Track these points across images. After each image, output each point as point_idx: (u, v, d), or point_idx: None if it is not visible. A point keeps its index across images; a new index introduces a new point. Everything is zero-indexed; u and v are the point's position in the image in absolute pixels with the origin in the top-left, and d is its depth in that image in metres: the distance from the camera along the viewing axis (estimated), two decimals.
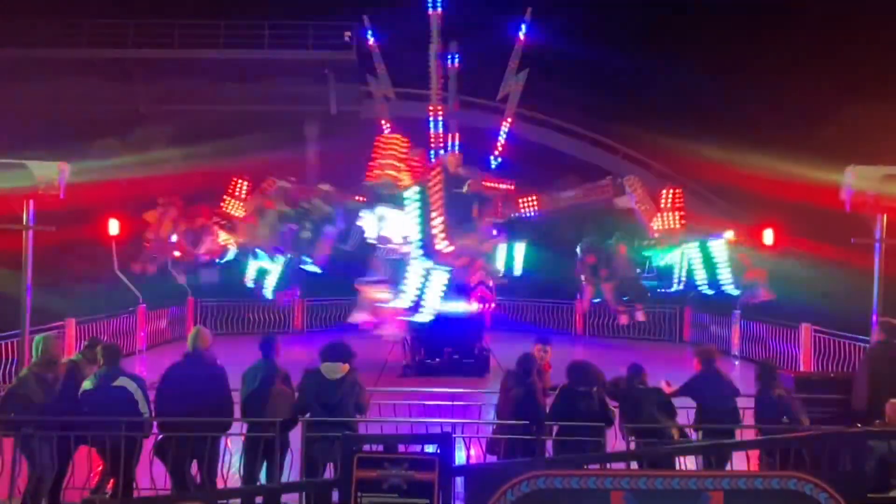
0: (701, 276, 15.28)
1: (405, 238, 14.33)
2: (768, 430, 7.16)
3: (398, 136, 15.24)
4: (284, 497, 6.84)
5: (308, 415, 7.10)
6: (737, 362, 16.83)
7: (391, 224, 14.61)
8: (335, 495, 5.66)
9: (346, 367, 7.17)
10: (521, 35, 16.85)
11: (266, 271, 16.41)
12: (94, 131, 21.19)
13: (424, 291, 13.58)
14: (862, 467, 5.71)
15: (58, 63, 23.48)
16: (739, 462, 7.51)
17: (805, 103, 21.90)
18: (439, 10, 16.43)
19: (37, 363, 7.32)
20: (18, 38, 23.50)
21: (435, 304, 13.71)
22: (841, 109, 20.34)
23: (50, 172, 9.53)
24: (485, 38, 18.16)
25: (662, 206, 15.85)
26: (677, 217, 15.67)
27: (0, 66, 22.70)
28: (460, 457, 7.65)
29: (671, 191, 16.05)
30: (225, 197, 16.53)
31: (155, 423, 7.26)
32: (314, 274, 16.68)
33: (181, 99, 24.61)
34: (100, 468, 7.36)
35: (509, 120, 17.25)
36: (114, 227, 15.68)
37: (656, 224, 15.78)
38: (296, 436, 7.24)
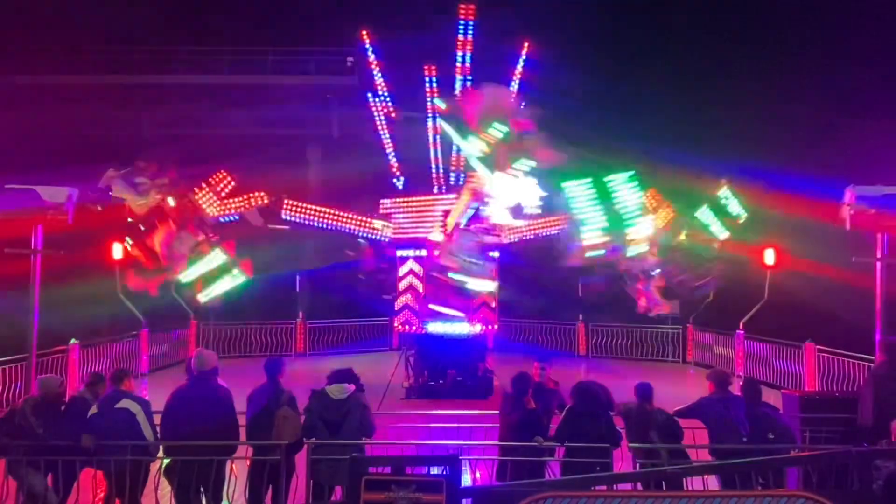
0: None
1: None
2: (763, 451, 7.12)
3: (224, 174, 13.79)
4: None
5: (314, 437, 7.13)
6: (740, 382, 16.75)
7: None
8: None
9: (352, 387, 7.27)
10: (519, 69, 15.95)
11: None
12: (100, 156, 21.33)
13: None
14: (870, 486, 5.71)
15: (64, 89, 23.71)
16: None
17: (805, 123, 22.02)
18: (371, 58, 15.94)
19: (34, 397, 7.29)
20: (24, 64, 23.78)
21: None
22: (841, 129, 20.46)
23: (58, 197, 9.64)
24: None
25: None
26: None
27: (7, 93, 22.93)
28: (466, 479, 7.63)
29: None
30: None
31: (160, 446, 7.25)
32: (317, 296, 16.37)
33: (185, 123, 24.83)
34: (101, 493, 7.33)
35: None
36: (117, 251, 15.75)
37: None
38: (301, 459, 7.24)
